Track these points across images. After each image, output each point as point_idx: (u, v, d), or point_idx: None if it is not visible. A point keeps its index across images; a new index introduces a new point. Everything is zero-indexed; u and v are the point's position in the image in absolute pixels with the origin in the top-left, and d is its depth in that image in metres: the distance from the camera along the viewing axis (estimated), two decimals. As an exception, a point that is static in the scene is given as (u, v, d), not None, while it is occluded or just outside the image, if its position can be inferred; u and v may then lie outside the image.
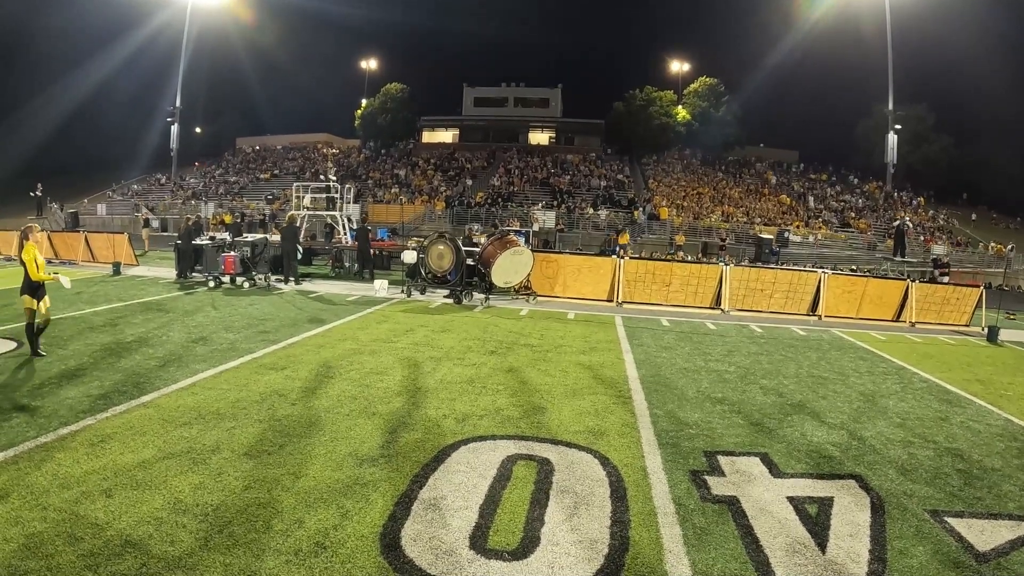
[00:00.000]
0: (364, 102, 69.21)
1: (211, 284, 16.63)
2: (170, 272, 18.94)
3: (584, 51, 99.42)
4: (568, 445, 6.00)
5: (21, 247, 8.78)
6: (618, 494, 4.99)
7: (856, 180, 59.87)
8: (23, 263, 8.65)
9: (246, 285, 16.79)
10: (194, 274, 18.38)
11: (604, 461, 5.65)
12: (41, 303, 8.64)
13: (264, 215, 37.88)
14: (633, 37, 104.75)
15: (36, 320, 8.64)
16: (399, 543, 4.08)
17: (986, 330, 15.61)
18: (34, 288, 8.59)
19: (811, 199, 50.92)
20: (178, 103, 58.42)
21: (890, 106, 53.75)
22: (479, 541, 4.16)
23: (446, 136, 73.46)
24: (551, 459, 5.62)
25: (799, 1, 58.41)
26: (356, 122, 69.18)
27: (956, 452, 6.53)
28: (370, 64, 77.36)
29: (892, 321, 16.99)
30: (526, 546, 4.14)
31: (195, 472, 4.96)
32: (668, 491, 5.10)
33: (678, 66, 69.94)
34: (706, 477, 5.43)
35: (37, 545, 3.82)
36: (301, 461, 5.27)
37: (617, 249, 28.05)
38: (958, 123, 61.75)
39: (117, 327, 10.61)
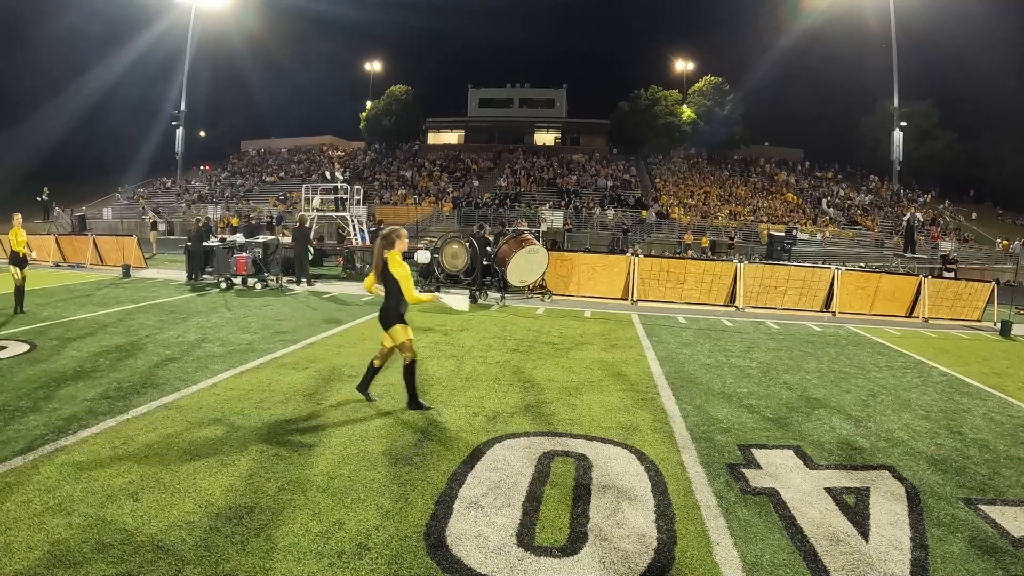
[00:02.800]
0: (369, 104, 69.35)
1: (223, 286, 16.61)
2: (180, 274, 18.93)
3: (589, 51, 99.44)
4: (603, 441, 5.95)
5: (383, 260, 6.45)
6: (659, 488, 4.94)
7: (875, 179, 59.52)
8: (394, 279, 6.35)
9: (258, 286, 16.76)
10: (205, 276, 18.37)
11: (641, 456, 5.59)
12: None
13: (272, 217, 37.86)
14: (637, 37, 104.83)
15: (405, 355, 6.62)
16: (445, 542, 3.99)
17: (999, 325, 15.54)
18: (400, 313, 6.53)
19: (823, 202, 50.62)
20: (183, 106, 58.47)
21: (895, 103, 53.61)
22: (526, 539, 4.08)
23: (451, 137, 73.68)
24: (588, 455, 5.56)
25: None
26: (361, 124, 69.31)
27: (982, 443, 6.55)
28: (374, 66, 77.46)
29: (905, 317, 16.93)
30: (574, 542, 4.06)
31: (224, 474, 4.81)
32: (708, 484, 5.06)
33: (682, 65, 70.00)
34: (743, 470, 5.40)
35: (63, 553, 3.64)
36: (334, 461, 5.17)
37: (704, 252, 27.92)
38: (964, 119, 61.67)
39: (131, 329, 10.56)
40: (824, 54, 64.79)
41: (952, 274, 25.59)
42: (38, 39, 63.28)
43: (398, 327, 6.49)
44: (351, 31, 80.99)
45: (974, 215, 52.40)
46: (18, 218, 12.81)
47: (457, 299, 7.11)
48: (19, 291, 12.25)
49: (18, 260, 12.49)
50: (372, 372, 6.93)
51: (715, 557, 3.97)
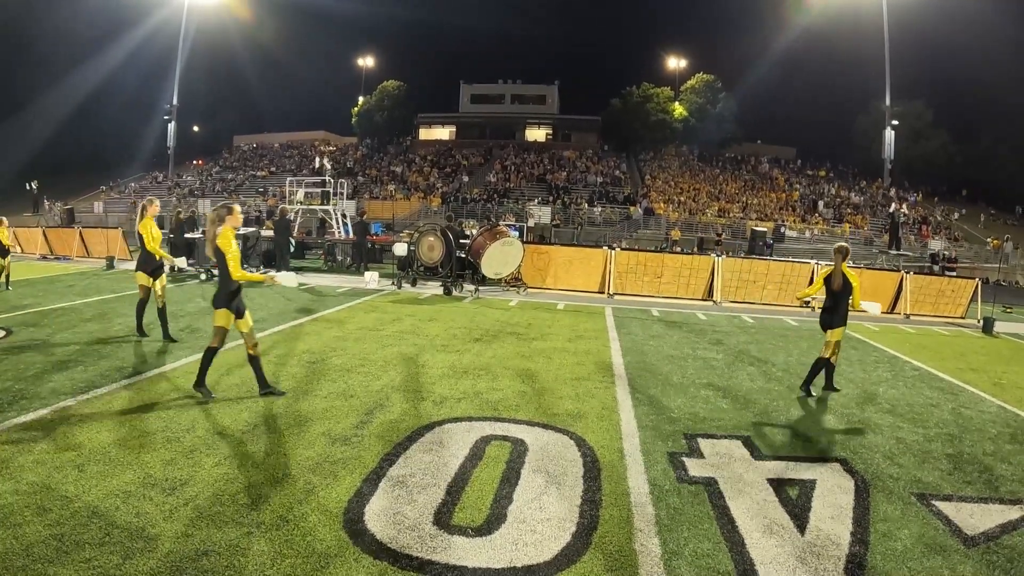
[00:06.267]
0: (361, 99, 69.21)
1: (203, 277, 16.58)
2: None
3: (581, 48, 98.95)
4: (544, 427, 5.95)
5: (841, 270, 7.53)
6: (591, 475, 4.91)
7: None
8: (851, 286, 7.51)
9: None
10: (187, 268, 18.33)
11: (580, 442, 5.58)
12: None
13: (260, 211, 37.78)
14: (630, 34, 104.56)
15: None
16: (362, 518, 4.04)
17: (982, 322, 15.54)
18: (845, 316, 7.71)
19: (820, 204, 50.40)
20: (175, 101, 58.26)
21: (887, 102, 53.66)
22: (444, 517, 4.11)
23: (443, 133, 73.75)
24: (526, 440, 5.56)
25: (796, -2, 58.31)
26: (353, 119, 69.17)
27: (947, 437, 6.44)
28: (367, 61, 77.42)
29: (887, 313, 16.93)
30: (491, 523, 4.08)
31: (167, 449, 4.97)
32: (644, 472, 5.02)
33: (675, 62, 69.97)
34: (684, 459, 5.34)
35: (6, 516, 3.83)
36: (274, 440, 5.26)
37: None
38: (957, 120, 61.60)
39: (106, 317, 10.64)
40: (818, 53, 64.84)
41: (954, 274, 25.66)
42: (32, 33, 63.16)
43: (842, 328, 7.58)
44: (344, 26, 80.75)
45: (955, 215, 52.32)
46: (153, 207, 9.18)
47: (872, 305, 8.24)
48: (161, 312, 9.01)
49: (151, 264, 9.08)
50: (823, 368, 7.82)
51: (634, 544, 3.92)
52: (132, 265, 19.68)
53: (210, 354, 6.35)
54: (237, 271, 6.11)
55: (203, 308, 11.76)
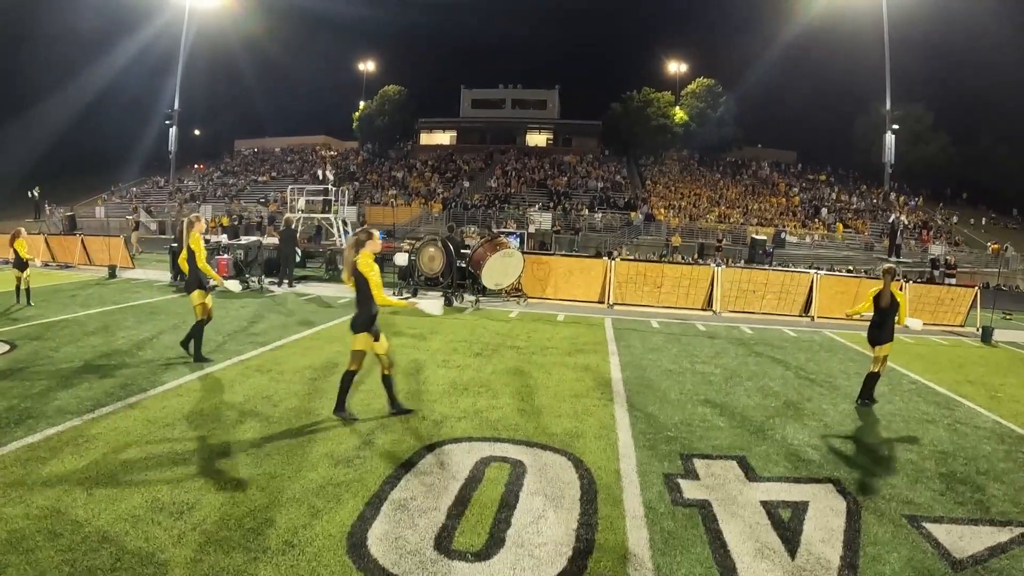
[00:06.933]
0: (362, 104, 69.27)
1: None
2: (165, 275, 18.87)
3: (582, 52, 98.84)
4: (543, 447, 6.02)
5: (892, 301, 8.11)
6: (588, 497, 5.00)
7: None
8: (897, 304, 8.14)
9: (239, 288, 16.74)
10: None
11: (578, 463, 5.66)
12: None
13: (261, 218, 37.85)
14: (630, 38, 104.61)
15: None
16: (365, 543, 4.14)
17: (980, 330, 15.58)
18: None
19: (824, 210, 50.36)
20: (176, 105, 58.34)
21: (887, 105, 53.63)
22: (444, 542, 4.20)
23: (444, 138, 73.70)
24: (524, 461, 5.64)
25: (796, 1, 58.32)
26: (354, 124, 69.23)
27: (940, 455, 6.46)
28: (368, 66, 77.41)
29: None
30: (490, 548, 4.17)
31: (173, 471, 5.06)
32: (639, 494, 5.09)
33: (675, 67, 69.79)
34: (679, 480, 5.42)
35: (19, 540, 3.93)
36: (278, 462, 5.34)
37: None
38: (958, 123, 61.48)
39: (109, 330, 10.67)
40: (818, 56, 64.84)
41: (954, 280, 25.64)
42: (32, 36, 63.33)
43: (889, 344, 8.19)
44: (345, 31, 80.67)
45: (955, 218, 52.31)
46: (200, 223, 8.99)
47: (914, 321, 8.92)
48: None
49: (203, 282, 8.90)
50: (875, 380, 8.43)
51: (628, 569, 4.02)
52: (134, 274, 20.00)
53: (349, 378, 6.50)
54: (381, 297, 6.23)
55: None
